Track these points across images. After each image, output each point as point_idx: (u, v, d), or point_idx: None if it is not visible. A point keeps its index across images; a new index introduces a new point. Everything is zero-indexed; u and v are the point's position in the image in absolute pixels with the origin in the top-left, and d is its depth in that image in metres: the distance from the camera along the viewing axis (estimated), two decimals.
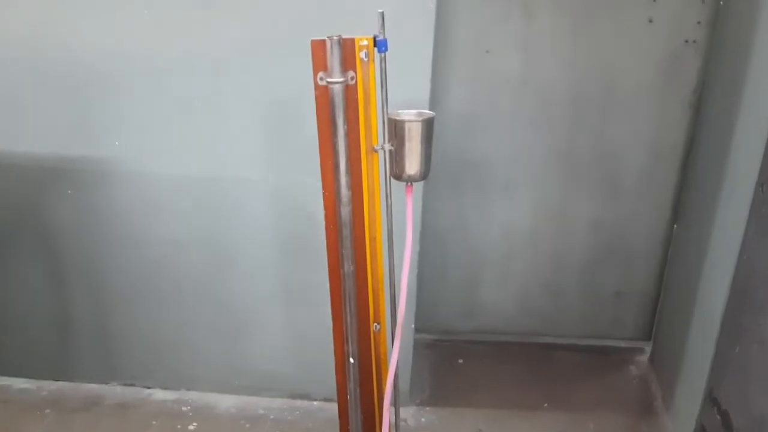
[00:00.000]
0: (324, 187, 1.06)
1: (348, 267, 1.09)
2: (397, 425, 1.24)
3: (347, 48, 0.99)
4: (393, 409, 1.19)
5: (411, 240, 1.08)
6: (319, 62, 0.99)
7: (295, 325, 2.09)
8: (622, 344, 2.45)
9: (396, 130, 1.04)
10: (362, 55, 1.01)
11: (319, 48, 0.98)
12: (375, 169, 1.08)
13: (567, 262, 2.33)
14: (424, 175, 1.07)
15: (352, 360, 1.15)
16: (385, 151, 1.07)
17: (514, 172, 2.23)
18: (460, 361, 2.37)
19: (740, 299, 1.76)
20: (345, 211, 1.05)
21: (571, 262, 2.33)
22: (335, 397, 1.20)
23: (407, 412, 2.11)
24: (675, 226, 2.23)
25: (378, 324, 1.17)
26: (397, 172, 1.06)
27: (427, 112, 1.06)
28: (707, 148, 2.03)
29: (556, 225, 2.28)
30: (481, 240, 2.32)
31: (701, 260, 1.97)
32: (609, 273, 2.34)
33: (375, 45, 1.03)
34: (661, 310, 2.34)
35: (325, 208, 1.08)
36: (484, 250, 2.33)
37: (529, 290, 2.38)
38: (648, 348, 2.40)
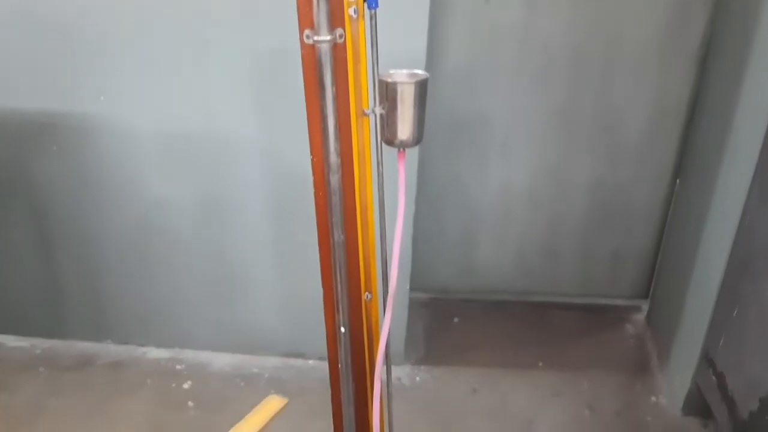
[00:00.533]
0: (312, 152, 1.01)
1: (338, 236, 1.04)
2: (389, 394, 1.22)
3: (335, 3, 0.92)
4: (385, 379, 1.17)
5: (403, 209, 1.03)
6: (305, 19, 0.92)
7: (289, 285, 2.07)
8: (619, 302, 2.43)
9: (387, 92, 0.98)
10: (351, 11, 0.95)
11: (304, 3, 0.91)
12: (365, 134, 1.03)
13: (565, 222, 2.29)
14: (418, 140, 1.01)
15: (343, 329, 1.12)
16: (375, 115, 1.01)
17: (512, 131, 2.17)
18: (456, 320, 2.36)
19: (740, 263, 1.73)
20: (334, 179, 1.00)
21: (570, 222, 2.29)
22: None
23: (402, 371, 2.11)
24: (678, 181, 2.18)
25: (369, 293, 1.14)
26: (388, 137, 1.01)
27: (421, 73, 1.00)
28: (713, 106, 1.96)
29: (554, 185, 2.23)
30: (478, 200, 2.27)
31: (702, 222, 1.93)
32: (607, 233, 2.30)
33: (365, 0, 0.96)
34: (659, 271, 2.32)
35: (314, 175, 1.03)
36: (481, 209, 2.29)
37: (526, 250, 2.35)
38: (645, 307, 2.39)
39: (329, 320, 1.15)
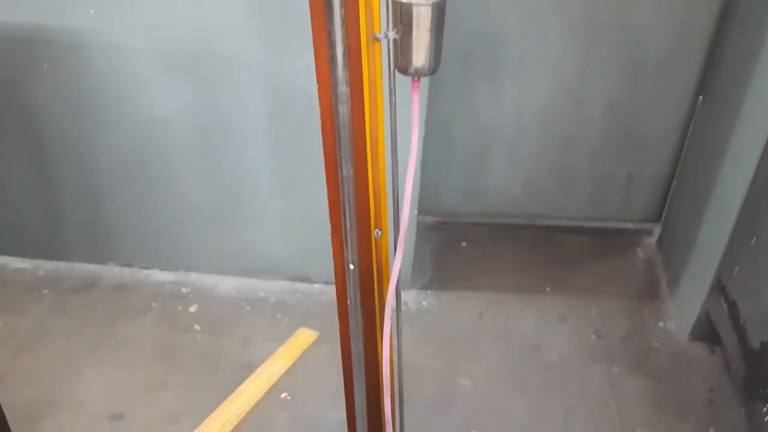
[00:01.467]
0: (319, 80, 0.93)
1: (347, 171, 0.98)
2: (398, 331, 1.19)
3: None
4: (395, 316, 1.14)
5: (417, 143, 0.96)
6: None
7: (295, 208, 2.02)
8: (629, 226, 2.38)
9: (402, 15, 0.89)
10: None
11: None
12: (377, 61, 0.94)
13: (579, 144, 2.21)
14: (434, 68, 0.93)
15: (351, 267, 1.08)
16: (388, 40, 0.92)
17: (527, 47, 2.05)
18: (464, 244, 2.33)
19: (762, 189, 1.67)
20: (343, 110, 0.92)
21: (584, 144, 2.21)
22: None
23: (408, 296, 2.10)
24: (700, 98, 2.07)
25: (380, 230, 1.08)
26: (402, 64, 0.92)
27: None
28: (745, 12, 1.83)
29: (570, 105, 2.13)
30: (490, 121, 2.18)
31: (724, 143, 1.85)
32: (622, 156, 2.22)
33: None
34: (673, 194, 2.26)
35: (321, 106, 0.95)
36: (492, 131, 2.20)
37: (537, 172, 2.28)
38: (656, 230, 2.34)
39: (338, 257, 1.10)
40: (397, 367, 1.24)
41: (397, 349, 1.24)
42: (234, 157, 1.94)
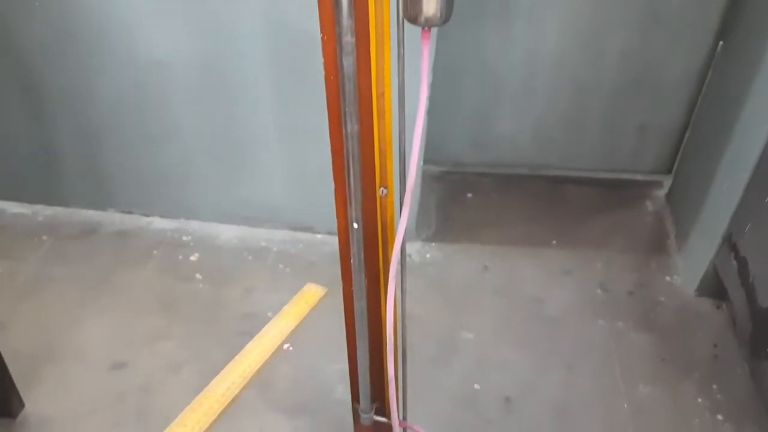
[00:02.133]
0: (322, 30, 0.87)
1: (351, 126, 0.93)
2: (402, 291, 1.16)
3: None
4: (400, 279, 1.10)
5: (426, 96, 0.90)
6: None
7: (297, 158, 1.97)
8: (639, 177, 2.33)
9: None
10: None
11: None
12: (385, 9, 0.87)
13: (591, 92, 2.13)
14: (446, 17, 0.86)
15: (355, 225, 1.04)
16: None
17: None
18: (469, 195, 2.28)
19: None
20: (348, 62, 0.87)
21: (595, 92, 2.13)
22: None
23: (412, 248, 2.07)
24: (720, 44, 1.99)
25: (385, 188, 1.04)
26: (411, 13, 0.85)
27: None
28: None
29: (583, 53, 2.05)
30: (499, 68, 2.10)
31: (743, 94, 1.78)
32: (635, 106, 2.15)
33: None
34: (686, 146, 2.19)
35: (324, 57, 0.89)
36: (502, 79, 2.12)
37: (546, 122, 2.21)
38: (667, 183, 2.29)
39: (341, 215, 1.06)
40: (401, 324, 1.21)
41: (401, 309, 1.22)
42: (235, 102, 1.87)
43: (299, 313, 1.77)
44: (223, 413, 1.62)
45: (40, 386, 1.67)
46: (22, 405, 1.61)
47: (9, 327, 1.81)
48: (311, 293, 1.88)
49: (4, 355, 1.52)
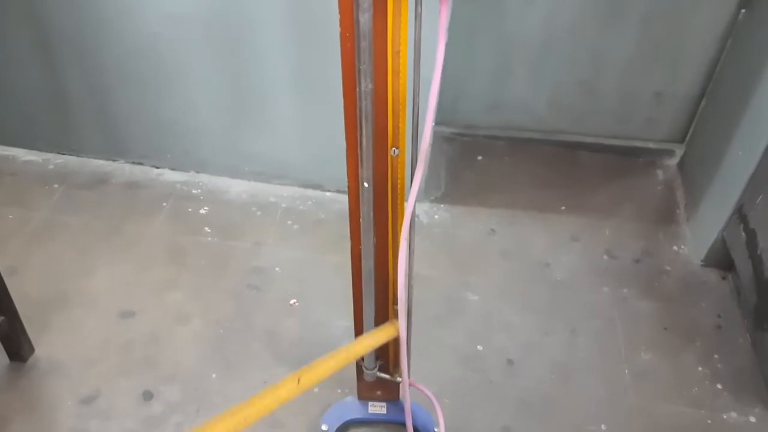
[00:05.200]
0: None
1: (365, 84, 0.92)
2: (410, 252, 1.16)
3: None
4: (408, 243, 1.11)
5: (442, 56, 0.89)
6: None
7: (308, 115, 1.95)
8: (651, 145, 2.31)
9: None
10: None
11: None
12: None
13: (608, 58, 2.10)
14: None
15: (366, 185, 1.04)
16: None
17: None
18: (479, 157, 2.27)
19: None
20: (364, 18, 0.86)
21: (613, 57, 2.10)
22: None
23: (420, 209, 2.07)
24: (742, 12, 1.94)
25: (396, 149, 1.03)
26: None
27: None
28: None
29: (603, 17, 2.01)
30: (516, 28, 2.07)
31: (763, 64, 1.75)
32: (653, 72, 2.12)
33: None
34: (701, 115, 2.17)
35: (341, 13, 0.88)
36: (518, 40, 2.09)
37: (561, 86, 2.18)
38: (679, 151, 2.27)
39: (352, 174, 1.06)
40: (408, 285, 1.22)
41: (409, 272, 1.23)
42: (247, 57, 1.86)
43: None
44: (229, 366, 1.65)
45: (50, 332, 1.70)
46: (32, 349, 1.65)
47: (20, 273, 1.84)
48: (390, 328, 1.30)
49: (15, 301, 1.55)
